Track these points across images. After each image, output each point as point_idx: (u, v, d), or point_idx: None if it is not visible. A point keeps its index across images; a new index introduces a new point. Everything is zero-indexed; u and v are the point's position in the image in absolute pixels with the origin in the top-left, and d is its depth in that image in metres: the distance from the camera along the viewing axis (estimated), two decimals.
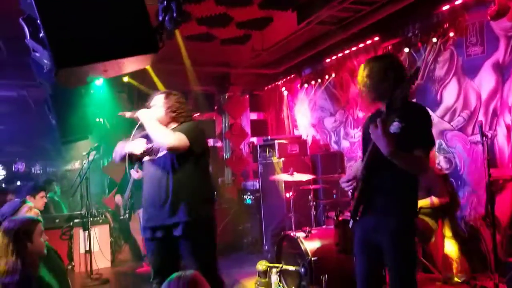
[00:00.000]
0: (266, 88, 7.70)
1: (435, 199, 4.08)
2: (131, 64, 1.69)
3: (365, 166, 2.39)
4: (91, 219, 5.61)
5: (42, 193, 4.68)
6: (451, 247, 4.40)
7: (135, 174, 5.18)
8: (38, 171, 8.93)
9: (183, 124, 3.04)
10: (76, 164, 8.16)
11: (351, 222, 2.52)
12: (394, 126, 2.30)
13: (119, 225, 6.37)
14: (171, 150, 2.89)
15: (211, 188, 3.16)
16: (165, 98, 3.05)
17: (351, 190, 2.52)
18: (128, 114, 3.03)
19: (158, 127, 2.87)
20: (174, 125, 3.03)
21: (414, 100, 4.73)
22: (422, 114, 2.38)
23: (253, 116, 8.04)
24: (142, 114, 2.89)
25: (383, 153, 2.21)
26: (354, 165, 2.81)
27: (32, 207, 3.30)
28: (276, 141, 5.76)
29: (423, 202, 4.07)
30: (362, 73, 2.46)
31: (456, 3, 4.01)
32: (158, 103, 3.03)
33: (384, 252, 2.39)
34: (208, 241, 3.04)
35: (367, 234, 2.49)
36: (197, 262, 2.93)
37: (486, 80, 4.05)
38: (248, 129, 7.88)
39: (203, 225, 2.99)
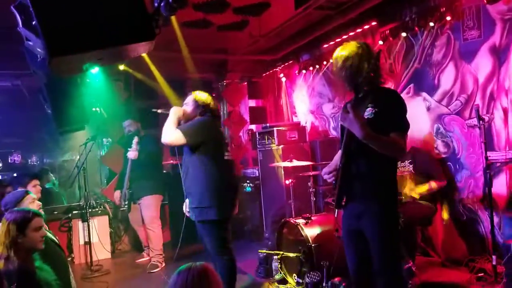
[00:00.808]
0: (264, 74, 7.66)
1: (433, 184, 4.09)
2: (127, 52, 1.66)
3: (343, 154, 2.42)
4: (90, 210, 5.60)
5: (34, 182, 4.60)
6: (449, 230, 4.43)
7: (131, 154, 5.18)
8: (35, 163, 8.88)
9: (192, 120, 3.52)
10: (75, 155, 8.14)
11: (336, 211, 2.54)
12: (368, 112, 2.34)
13: (120, 215, 6.38)
14: (165, 144, 3.40)
15: (217, 178, 3.39)
16: (193, 97, 3.58)
17: (333, 181, 2.54)
18: (160, 110, 3.63)
19: (168, 123, 3.36)
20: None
21: (412, 85, 4.73)
22: (395, 99, 2.41)
23: (252, 103, 8.00)
24: (172, 110, 3.45)
25: (358, 137, 2.24)
26: (336, 156, 2.80)
27: (35, 199, 3.29)
28: (275, 128, 5.75)
29: (422, 188, 4.09)
30: (338, 64, 2.47)
31: None
32: (188, 101, 3.59)
33: (367, 238, 2.40)
34: (214, 228, 3.39)
35: (351, 222, 2.50)
36: (207, 245, 3.45)
37: (483, 63, 4.03)
38: (246, 116, 7.85)
39: (207, 213, 3.34)
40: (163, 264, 5.33)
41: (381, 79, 2.46)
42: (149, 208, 5.34)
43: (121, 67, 6.17)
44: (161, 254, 5.36)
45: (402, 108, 2.38)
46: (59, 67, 1.55)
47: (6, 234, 2.43)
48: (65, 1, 1.46)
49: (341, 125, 2.66)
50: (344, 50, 2.45)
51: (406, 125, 2.38)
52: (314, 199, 4.75)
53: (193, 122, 3.48)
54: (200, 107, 3.51)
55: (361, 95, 2.43)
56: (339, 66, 2.45)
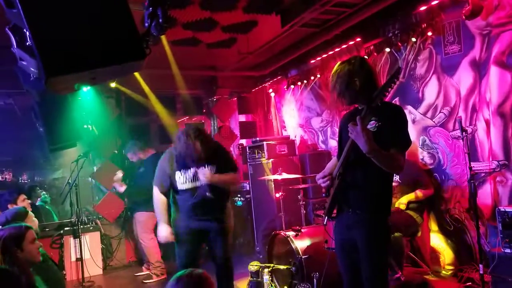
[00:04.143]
0: (253, 90, 7.76)
1: (419, 193, 4.18)
2: (119, 71, 1.74)
3: (342, 164, 2.42)
4: (82, 226, 5.60)
5: (22, 197, 4.62)
6: (437, 241, 4.51)
7: (120, 188, 5.61)
8: (26, 180, 8.84)
9: None
10: (65, 173, 8.12)
11: (326, 219, 2.57)
12: (371, 125, 2.33)
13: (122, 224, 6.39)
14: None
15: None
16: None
17: (326, 187, 2.54)
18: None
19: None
20: None
21: (397, 98, 4.86)
22: (399, 114, 2.40)
23: (242, 118, 8.09)
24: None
25: (362, 150, 2.23)
26: (329, 162, 2.82)
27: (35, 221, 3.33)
28: (265, 142, 5.82)
29: (408, 197, 4.18)
30: (332, 79, 2.49)
31: (433, 3, 4.12)
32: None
33: (359, 247, 2.42)
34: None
35: (343, 232, 2.52)
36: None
37: (464, 77, 4.16)
38: (237, 131, 7.91)
39: None
40: (165, 275, 5.34)
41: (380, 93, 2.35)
42: (140, 223, 5.43)
43: (112, 84, 6.22)
44: (159, 266, 5.40)
45: (405, 124, 2.38)
46: (54, 86, 1.62)
47: (2, 250, 2.45)
48: (60, 23, 1.53)
49: (339, 134, 2.68)
50: (336, 68, 2.46)
51: (408, 142, 2.38)
52: (304, 211, 4.80)
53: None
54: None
55: (361, 108, 2.39)
56: (332, 83, 2.47)
